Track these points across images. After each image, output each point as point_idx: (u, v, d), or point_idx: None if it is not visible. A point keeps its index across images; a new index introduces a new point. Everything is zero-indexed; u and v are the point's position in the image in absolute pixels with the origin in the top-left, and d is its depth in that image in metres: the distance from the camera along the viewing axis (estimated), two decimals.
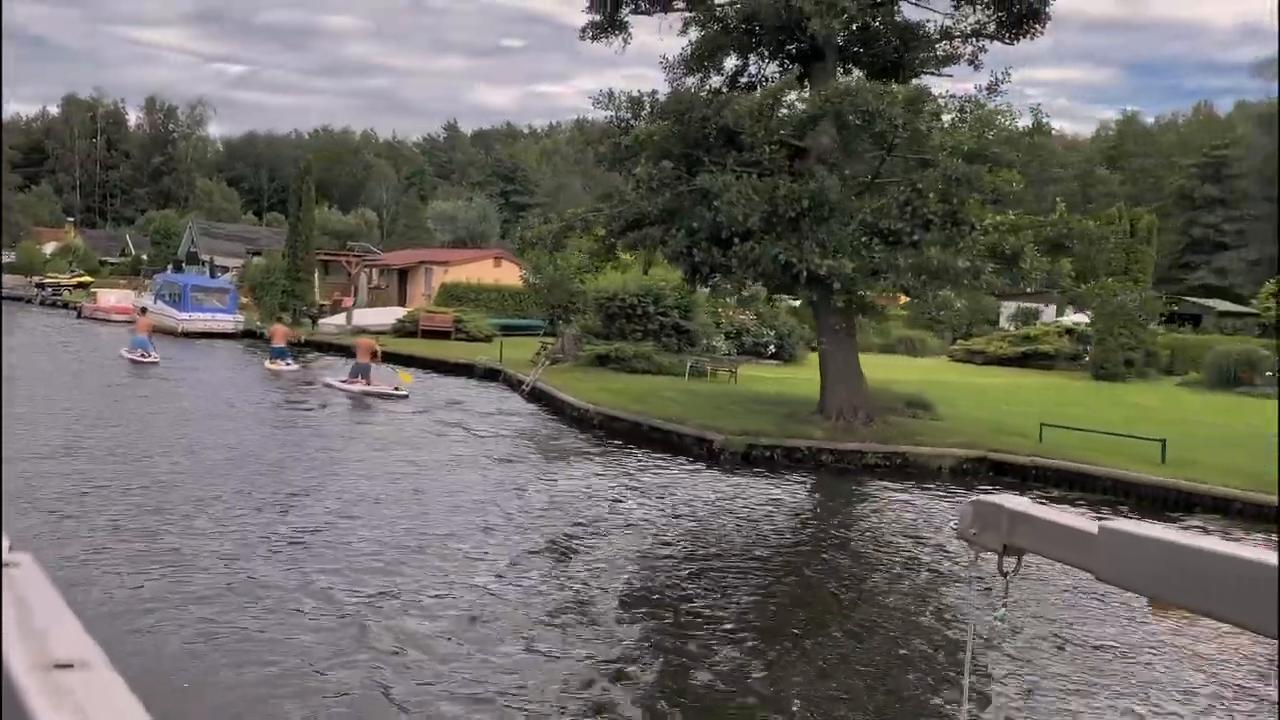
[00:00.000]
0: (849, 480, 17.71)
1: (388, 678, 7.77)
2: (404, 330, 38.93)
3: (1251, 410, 27.54)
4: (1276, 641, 1.37)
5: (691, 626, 9.54)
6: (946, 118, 18.99)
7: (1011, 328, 52.49)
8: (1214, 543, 1.44)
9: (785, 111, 17.81)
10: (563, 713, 7.41)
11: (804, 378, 26.63)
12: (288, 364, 29.02)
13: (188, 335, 38.67)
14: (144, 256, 72.70)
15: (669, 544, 12.67)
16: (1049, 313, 55.37)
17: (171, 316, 40.06)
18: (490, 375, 30.07)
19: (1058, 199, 21.33)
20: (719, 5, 19.97)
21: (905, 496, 16.61)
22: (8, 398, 19.30)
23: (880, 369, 30.46)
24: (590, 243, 21.75)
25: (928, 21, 20.22)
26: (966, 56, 20.29)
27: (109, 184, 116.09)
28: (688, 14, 19.88)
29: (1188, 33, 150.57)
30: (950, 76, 20.25)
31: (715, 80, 20.44)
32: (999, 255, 17.71)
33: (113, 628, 8.08)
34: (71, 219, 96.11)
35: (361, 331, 29.63)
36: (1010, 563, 2.01)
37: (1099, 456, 18.34)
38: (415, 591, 9.92)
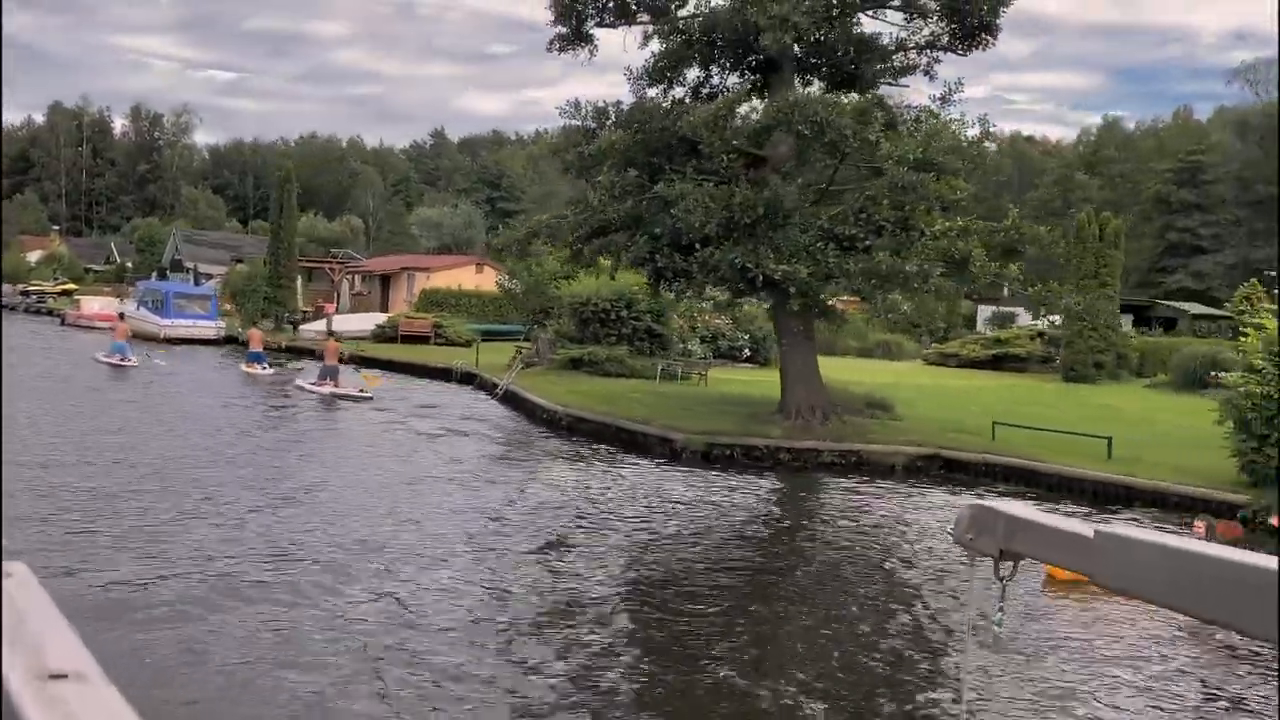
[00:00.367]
0: (804, 477, 18.32)
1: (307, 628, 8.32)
2: (383, 335, 39.47)
3: (1212, 411, 28.27)
4: (1278, 647, 1.37)
5: (641, 611, 10.11)
6: (904, 127, 19.65)
7: (987, 331, 53.30)
8: (1213, 548, 1.43)
9: (739, 122, 18.40)
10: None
11: (773, 380, 27.16)
12: (264, 368, 29.74)
13: (170, 341, 39.10)
14: (128, 264, 73.05)
15: (615, 533, 13.23)
16: (1026, 317, 56.16)
17: (154, 323, 40.51)
18: (467, 379, 30.62)
19: (1010, 205, 21.94)
20: (681, 18, 20.58)
21: (857, 491, 17.22)
22: None
23: (854, 372, 31.16)
24: (561, 249, 22.32)
25: (881, 35, 20.88)
26: (922, 67, 20.93)
27: (95, 192, 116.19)
28: (650, 27, 20.48)
29: (1175, 38, 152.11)
30: (906, 86, 20.88)
31: (678, 91, 21.06)
32: (949, 259, 18.33)
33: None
34: (57, 227, 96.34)
35: (331, 335, 30.25)
36: (1007, 568, 2.01)
37: (1048, 454, 18.98)
38: (372, 577, 10.49)
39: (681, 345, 35.04)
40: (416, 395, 27.57)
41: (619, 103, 20.25)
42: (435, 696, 7.67)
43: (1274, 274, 48.82)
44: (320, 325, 41.94)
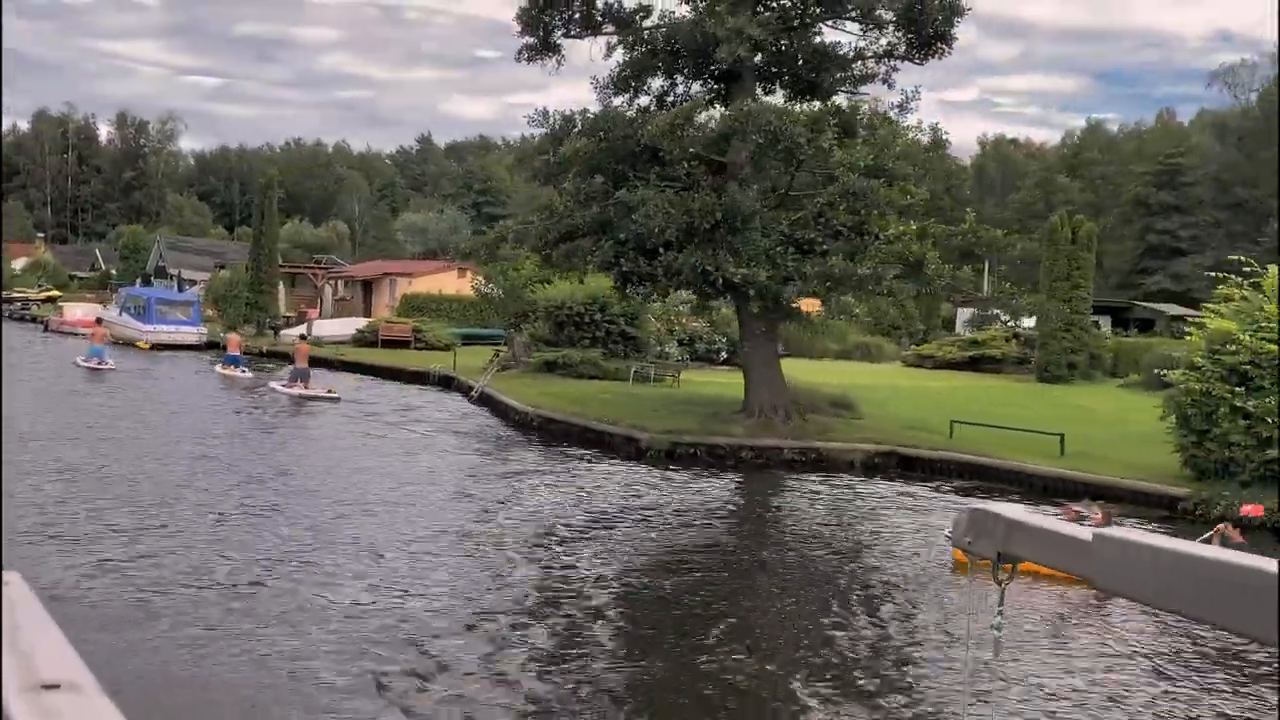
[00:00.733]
0: (765, 474, 18.83)
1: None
2: (364, 340, 39.92)
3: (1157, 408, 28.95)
4: (1277, 648, 1.46)
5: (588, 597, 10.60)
6: (863, 133, 20.22)
7: (966, 333, 53.93)
8: (1210, 550, 1.43)
9: (695, 131, 18.91)
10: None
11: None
12: (243, 371, 30.26)
13: (152, 347, 39.46)
14: (112, 271, 73.29)
15: (570, 526, 13.72)
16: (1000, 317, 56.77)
17: (136, 329, 40.87)
18: (444, 382, 31.09)
19: (968, 210, 22.51)
20: (645, 29, 21.10)
21: (815, 486, 17.75)
22: None
23: (831, 374, 31.70)
24: (531, 254, 22.80)
25: (841, 44, 21.42)
26: (881, 76, 21.49)
27: (80, 199, 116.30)
28: (615, 37, 21.00)
29: (1159, 41, 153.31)
30: (867, 95, 21.42)
31: (644, 100, 21.57)
32: (905, 262, 18.88)
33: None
34: (42, 234, 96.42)
35: (302, 338, 30.91)
36: (1005, 571, 1.98)
37: (1003, 451, 19.53)
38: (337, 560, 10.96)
39: (659, 348, 35.56)
40: (394, 398, 28.05)
41: (585, 111, 20.78)
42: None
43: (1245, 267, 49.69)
44: (300, 330, 42.34)
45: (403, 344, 39.21)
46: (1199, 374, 16.63)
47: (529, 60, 21.76)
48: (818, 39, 21.34)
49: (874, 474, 19.05)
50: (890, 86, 21.43)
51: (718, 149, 19.02)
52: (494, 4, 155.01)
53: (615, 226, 19.72)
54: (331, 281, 55.98)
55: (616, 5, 21.09)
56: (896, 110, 20.49)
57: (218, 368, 31.23)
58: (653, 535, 13.83)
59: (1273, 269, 17.50)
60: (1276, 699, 8.31)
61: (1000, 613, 2.24)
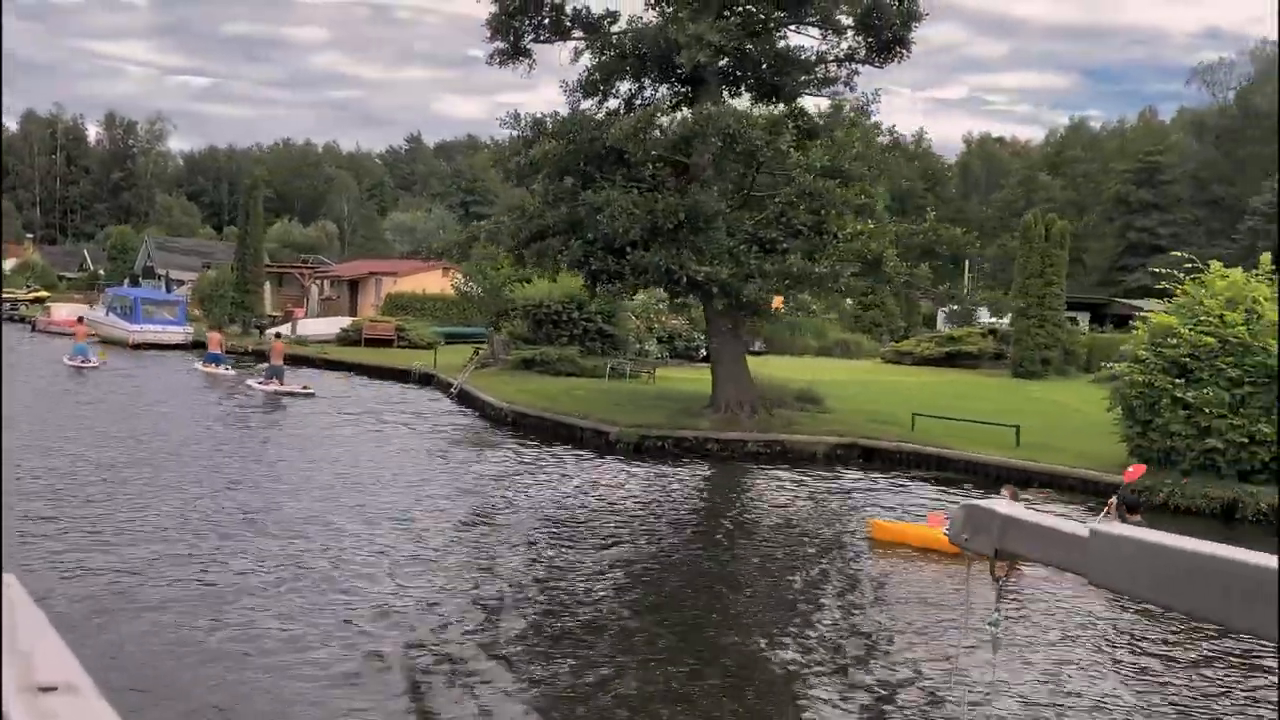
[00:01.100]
0: (730, 465, 19.45)
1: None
2: (348, 339, 40.47)
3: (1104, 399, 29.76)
4: (1277, 644, 1.37)
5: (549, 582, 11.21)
6: (824, 136, 20.87)
7: (946, 329, 54.64)
8: (1207, 545, 1.42)
9: (658, 134, 19.51)
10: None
11: None
12: (226, 369, 30.91)
13: (138, 347, 39.94)
14: (101, 271, 73.64)
15: (535, 516, 14.31)
16: (985, 315, 57.55)
17: (122, 329, 41.33)
18: (425, 380, 31.65)
19: (929, 209, 23.17)
20: (614, 34, 21.67)
21: (778, 477, 18.37)
22: None
23: (808, 370, 32.29)
24: (503, 253, 23.37)
25: (805, 48, 22.02)
26: (842, 79, 22.11)
27: (69, 200, 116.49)
28: (582, 43, 21.58)
29: (1148, 38, 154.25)
30: (829, 97, 22.04)
31: (613, 103, 22.15)
32: (863, 260, 19.51)
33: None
34: (31, 235, 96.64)
35: (277, 336, 31.70)
36: (1003, 568, 1.99)
37: (961, 442, 20.18)
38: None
39: (639, 345, 36.17)
40: (376, 395, 28.64)
41: (556, 114, 21.36)
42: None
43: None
44: (285, 329, 42.88)
45: (386, 343, 39.77)
46: (1142, 366, 17.30)
47: (500, 64, 22.32)
48: (782, 43, 21.95)
49: (836, 465, 19.68)
50: (852, 89, 22.07)
51: (681, 151, 19.62)
52: (485, 4, 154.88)
53: (584, 226, 20.31)
54: (318, 281, 56.49)
55: (585, 11, 21.68)
56: (855, 113, 21.10)
57: (199, 365, 31.85)
58: (606, 522, 14.42)
59: (1215, 266, 18.19)
60: (1277, 698, 8.31)
61: (998, 609, 2.23)
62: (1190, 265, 17.85)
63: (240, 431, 21.49)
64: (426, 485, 16.29)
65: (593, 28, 21.56)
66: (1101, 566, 1.59)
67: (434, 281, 49.46)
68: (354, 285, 54.72)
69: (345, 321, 43.93)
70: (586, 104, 21.59)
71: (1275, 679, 8.64)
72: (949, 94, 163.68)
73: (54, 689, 0.86)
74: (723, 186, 19.74)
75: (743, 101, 22.42)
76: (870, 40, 21.33)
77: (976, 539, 1.96)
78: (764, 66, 21.42)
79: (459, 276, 40.59)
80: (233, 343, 37.89)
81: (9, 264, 76.30)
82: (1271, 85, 73.47)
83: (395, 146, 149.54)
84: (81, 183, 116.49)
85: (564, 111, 20.79)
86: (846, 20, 20.88)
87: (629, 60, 21.31)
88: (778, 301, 24.18)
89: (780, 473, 18.69)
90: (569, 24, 21.63)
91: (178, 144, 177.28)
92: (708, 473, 18.81)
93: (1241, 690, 8.65)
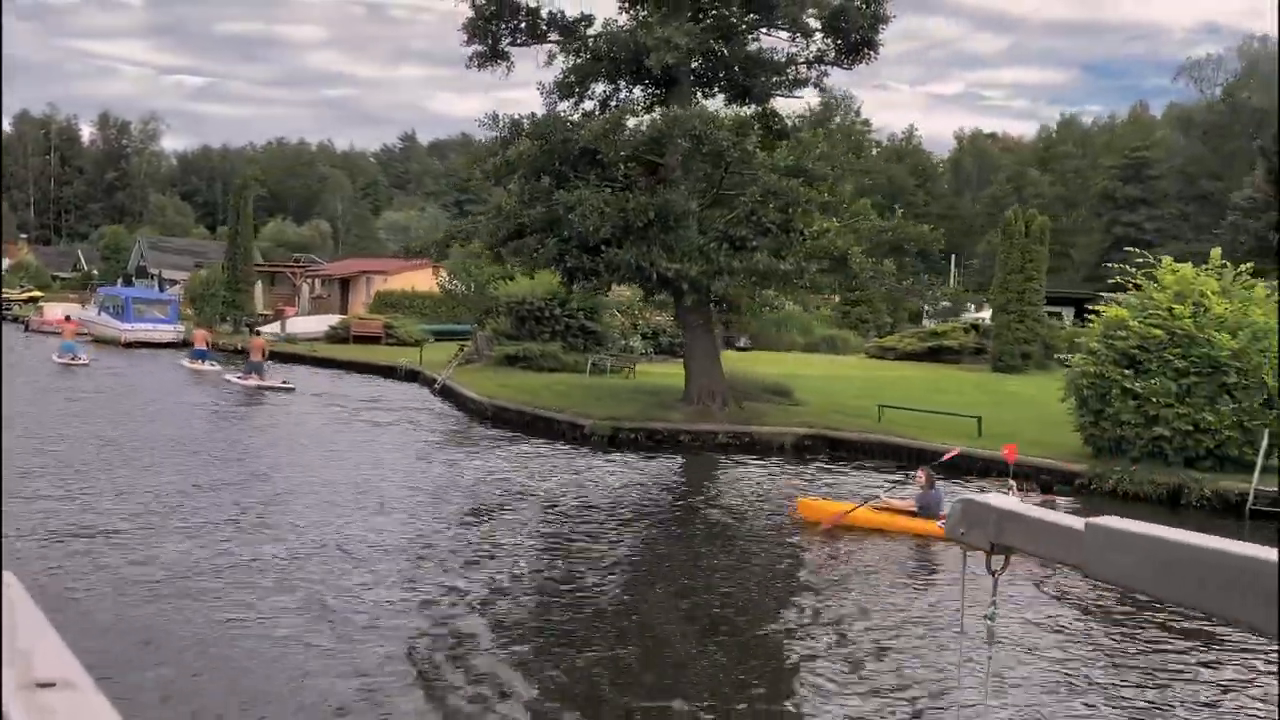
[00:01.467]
0: (699, 456, 20.05)
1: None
2: (337, 336, 41.06)
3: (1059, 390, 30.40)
4: (1276, 639, 1.36)
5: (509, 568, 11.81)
6: (803, 134, 21.50)
7: (930, 325, 55.27)
8: (1204, 538, 1.42)
9: (629, 134, 20.10)
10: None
11: None
12: (212, 365, 31.64)
13: (130, 345, 40.55)
14: (94, 271, 74.16)
15: (504, 500, 14.92)
16: (971, 311, 58.26)
17: (114, 328, 41.95)
18: (410, 376, 32.26)
19: (897, 207, 23.79)
20: (589, 37, 22.25)
21: (743, 467, 18.99)
22: None
23: (790, 365, 32.91)
24: (482, 250, 23.94)
25: (776, 50, 22.62)
26: (812, 80, 22.72)
27: (63, 200, 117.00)
28: (556, 47, 22.16)
29: (1147, 33, 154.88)
30: (800, 98, 22.65)
31: (588, 104, 22.73)
32: (830, 257, 20.12)
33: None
34: (25, 235, 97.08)
35: (256, 333, 32.56)
36: (999, 561, 1.99)
37: (926, 433, 20.78)
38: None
39: (623, 341, 36.79)
40: (362, 390, 29.26)
41: (533, 115, 21.93)
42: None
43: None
44: (275, 327, 43.47)
45: (374, 340, 40.39)
46: (1094, 358, 17.92)
47: (479, 67, 22.88)
48: (753, 45, 22.54)
49: (803, 455, 20.30)
50: (822, 91, 22.66)
51: (652, 151, 20.21)
52: (464, 7, 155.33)
53: (560, 225, 20.91)
54: (309, 280, 57.07)
55: (560, 15, 22.27)
56: (833, 113, 21.69)
57: (185, 362, 32.55)
58: (571, 506, 15.03)
59: (1167, 261, 18.83)
60: (1277, 697, 8.23)
61: (993, 603, 2.24)
62: (1142, 261, 18.48)
63: (214, 424, 22.17)
64: (396, 474, 16.87)
65: (568, 31, 22.15)
66: (1098, 560, 1.58)
67: (424, 280, 50.06)
68: (345, 284, 55.30)
69: (334, 319, 44.53)
70: (563, 105, 22.18)
71: (1275, 677, 8.55)
72: (947, 89, 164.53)
73: (53, 685, 0.88)
74: (691, 186, 20.33)
75: (717, 102, 23.06)
76: (839, 43, 21.92)
77: (972, 533, 1.97)
78: (736, 69, 22.01)
79: (444, 275, 41.20)
80: (223, 341, 38.53)
81: (3, 264, 76.82)
82: (1257, 80, 74.18)
83: (390, 145, 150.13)
84: (75, 183, 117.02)
85: (525, 114, 21.37)
86: (814, 24, 21.47)
87: (603, 63, 21.88)
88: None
89: (746, 463, 19.29)
90: (545, 28, 22.21)
91: (171, 144, 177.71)
92: (678, 462, 19.41)
93: (1241, 686, 8.58)
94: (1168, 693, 8.40)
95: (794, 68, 22.48)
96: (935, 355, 45.05)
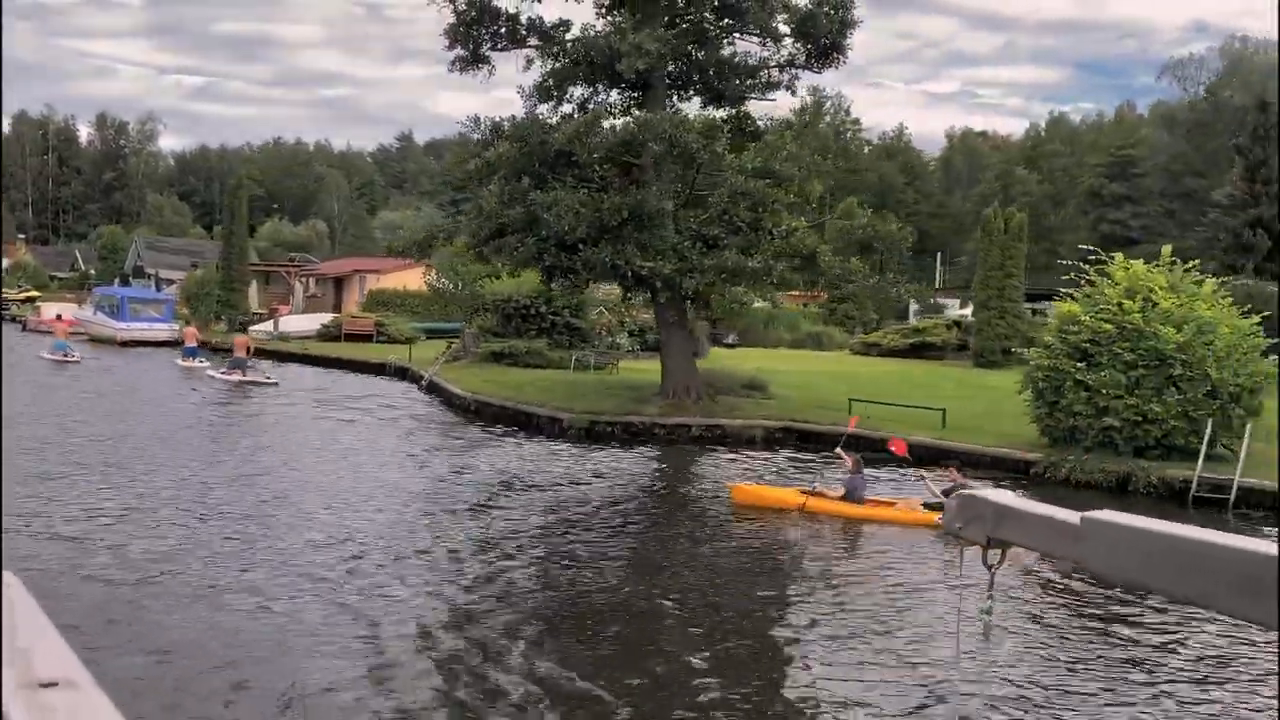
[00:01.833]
0: (673, 448, 20.79)
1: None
2: (329, 334, 41.79)
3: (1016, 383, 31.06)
4: (1276, 635, 1.35)
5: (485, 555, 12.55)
6: (770, 137, 22.25)
7: (915, 322, 56.01)
8: (1202, 532, 1.40)
9: (602, 137, 20.83)
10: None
11: None
12: (201, 362, 32.51)
13: (126, 344, 41.29)
14: (91, 271, 74.87)
15: (487, 493, 15.66)
16: (954, 308, 59.00)
17: (110, 327, 42.69)
18: (399, 373, 33.02)
19: (864, 205, 24.56)
20: (568, 42, 22.98)
21: (714, 458, 19.74)
22: None
23: (774, 360, 33.63)
24: (464, 249, 24.68)
25: (750, 54, 23.36)
26: (784, 84, 23.45)
27: (61, 200, 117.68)
28: (537, 49, 22.89)
29: (1138, 32, 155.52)
30: (774, 101, 23.40)
31: (567, 108, 23.48)
32: (799, 255, 20.87)
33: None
34: (23, 236, 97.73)
35: (241, 330, 33.55)
36: (995, 556, 1.99)
37: (892, 425, 21.50)
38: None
39: (610, 338, 37.52)
40: (351, 387, 30.04)
41: (513, 117, 22.67)
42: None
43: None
44: (268, 326, 44.20)
45: (365, 338, 41.13)
46: (1049, 351, 18.68)
47: (461, 71, 23.60)
48: (727, 50, 23.27)
49: (773, 447, 21.04)
50: (794, 94, 23.40)
51: (627, 153, 20.94)
52: (446, 12, 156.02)
53: (539, 224, 21.64)
54: (303, 279, 57.79)
55: (539, 20, 22.98)
56: (811, 115, 22.45)
57: (177, 360, 33.41)
58: (547, 497, 15.78)
59: (1119, 257, 19.59)
60: (1276, 696, 8.18)
61: (990, 597, 2.24)
62: (1095, 258, 19.25)
63: (197, 418, 23.04)
64: (371, 465, 17.60)
65: (547, 36, 22.87)
66: (1095, 554, 1.57)
67: (416, 279, 50.79)
68: (339, 282, 56.04)
69: (327, 318, 45.25)
70: (543, 108, 22.92)
71: (1275, 673, 8.49)
72: (941, 88, 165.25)
73: (54, 684, 0.88)
74: (665, 187, 21.06)
75: (693, 105, 23.80)
76: (809, 47, 22.65)
77: (969, 528, 1.98)
78: (710, 72, 22.74)
79: (430, 272, 41.95)
80: (218, 339, 39.27)
81: (3, 264, 77.47)
82: (1239, 79, 74.99)
83: (386, 145, 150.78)
84: (73, 183, 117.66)
85: (505, 117, 22.12)
86: (784, 29, 22.21)
87: (580, 67, 22.60)
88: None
89: (717, 454, 20.04)
90: (524, 33, 22.93)
91: (169, 144, 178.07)
92: (653, 454, 20.16)
93: (1244, 678, 8.63)
94: (1166, 687, 8.40)
95: (766, 71, 23.20)
96: (919, 351, 45.72)
